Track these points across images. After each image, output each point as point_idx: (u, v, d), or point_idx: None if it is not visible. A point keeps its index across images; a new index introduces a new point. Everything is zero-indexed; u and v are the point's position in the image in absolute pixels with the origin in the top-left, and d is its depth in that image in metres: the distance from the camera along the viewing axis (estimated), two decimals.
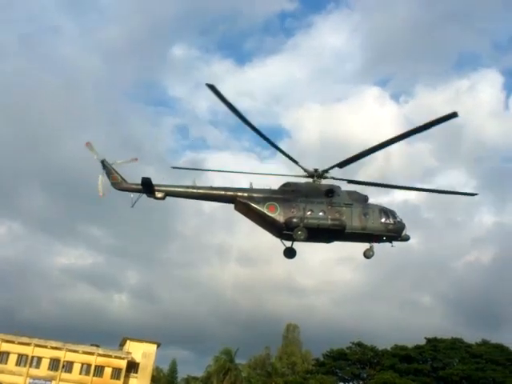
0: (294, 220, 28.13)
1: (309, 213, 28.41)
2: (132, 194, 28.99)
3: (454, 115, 25.04)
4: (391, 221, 29.24)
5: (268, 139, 27.97)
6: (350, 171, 29.40)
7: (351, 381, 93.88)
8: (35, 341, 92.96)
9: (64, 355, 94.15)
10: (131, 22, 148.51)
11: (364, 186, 29.84)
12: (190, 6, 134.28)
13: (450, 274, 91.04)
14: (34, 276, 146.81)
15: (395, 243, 29.91)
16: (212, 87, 25.51)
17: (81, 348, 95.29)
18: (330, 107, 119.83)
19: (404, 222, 29.66)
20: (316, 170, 29.36)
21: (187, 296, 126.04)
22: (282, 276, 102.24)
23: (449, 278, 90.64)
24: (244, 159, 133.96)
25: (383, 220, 29.11)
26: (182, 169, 30.17)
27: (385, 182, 30.27)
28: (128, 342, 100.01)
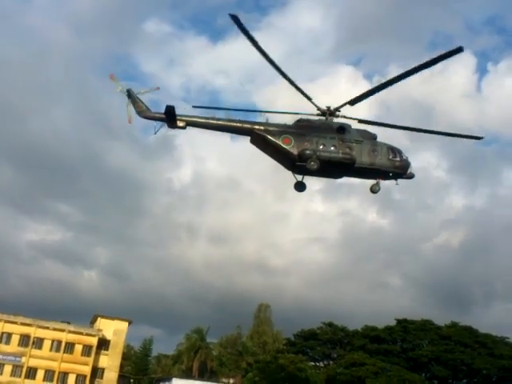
0: (307, 152, 29.58)
1: (321, 146, 29.91)
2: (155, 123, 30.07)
3: (459, 50, 26.50)
4: (398, 158, 30.95)
5: (286, 75, 29.14)
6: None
7: (321, 360, 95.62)
8: (5, 317, 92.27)
9: (34, 331, 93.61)
10: None
11: (373, 125, 31.45)
12: None
13: (420, 256, 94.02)
14: (0, 251, 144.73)
15: (400, 181, 31.60)
16: (235, 18, 26.47)
17: (51, 325, 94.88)
18: (304, 86, 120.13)
19: (409, 160, 31.42)
20: (328, 108, 30.82)
21: (158, 274, 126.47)
22: (254, 255, 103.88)
23: (419, 260, 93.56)
24: (216, 137, 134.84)
25: (391, 157, 30.78)
26: (203, 108, 31.56)
27: (393, 123, 31.82)
28: (99, 319, 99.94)
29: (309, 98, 30.42)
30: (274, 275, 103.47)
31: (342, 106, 30.67)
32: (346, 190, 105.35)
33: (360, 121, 31.12)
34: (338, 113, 30.96)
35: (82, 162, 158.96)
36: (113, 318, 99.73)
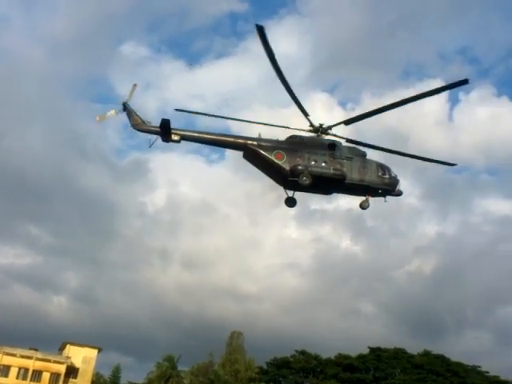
0: (299, 167, 29.99)
1: (313, 162, 30.38)
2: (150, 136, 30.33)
3: (465, 82, 27.70)
4: (387, 175, 31.59)
5: (291, 91, 29.49)
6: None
7: None
8: None
9: (0, 358, 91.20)
10: (79, 16, 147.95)
11: (359, 146, 32.15)
12: (138, 2, 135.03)
13: (393, 283, 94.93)
14: None
15: (388, 198, 32.29)
16: (261, 29, 26.48)
17: (18, 351, 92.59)
18: (278, 111, 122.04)
19: (398, 177, 32.18)
20: (321, 126, 31.43)
21: (130, 299, 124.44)
22: (227, 281, 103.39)
23: (392, 287, 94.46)
24: (191, 162, 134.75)
25: (380, 174, 31.41)
26: (186, 112, 31.48)
27: (380, 146, 32.65)
28: (68, 346, 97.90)
29: (306, 114, 31.02)
30: (247, 301, 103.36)
31: (336, 124, 31.25)
32: (319, 216, 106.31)
33: (348, 140, 31.78)
34: (329, 131, 31.60)
35: (54, 183, 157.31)
36: (82, 345, 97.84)
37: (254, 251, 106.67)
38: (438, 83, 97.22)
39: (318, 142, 31.42)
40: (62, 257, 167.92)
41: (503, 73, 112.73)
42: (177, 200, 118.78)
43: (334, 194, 33.65)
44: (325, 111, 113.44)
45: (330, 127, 31.52)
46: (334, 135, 31.72)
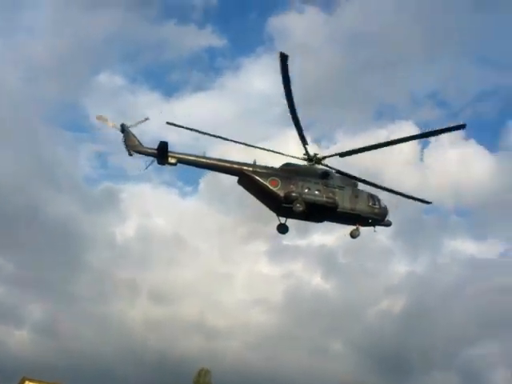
0: (293, 194, 30.63)
1: (306, 190, 31.11)
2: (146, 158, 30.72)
3: (462, 126, 29.91)
4: (377, 205, 32.56)
5: (297, 118, 30.23)
6: None
7: None
8: None
9: None
10: (55, 42, 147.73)
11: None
12: (116, 31, 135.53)
13: (363, 322, 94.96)
14: None
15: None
16: (284, 57, 27.58)
17: None
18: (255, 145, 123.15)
19: (388, 208, 33.07)
20: (315, 155, 32.35)
21: (96, 333, 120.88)
22: (196, 316, 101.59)
23: (362, 326, 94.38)
24: (164, 193, 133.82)
25: (370, 203, 32.34)
26: (177, 126, 31.19)
27: (371, 181, 33.62)
28: (27, 382, 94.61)
29: (305, 143, 31.81)
30: (216, 337, 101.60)
31: (331, 156, 32.30)
32: (291, 252, 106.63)
33: (338, 171, 32.62)
34: (323, 161, 32.44)
35: (20, 211, 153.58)
36: (42, 382, 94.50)
37: (225, 286, 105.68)
38: (409, 125, 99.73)
39: (311, 170, 32.25)
40: (25, 288, 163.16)
41: (472, 117, 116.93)
42: (148, 232, 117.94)
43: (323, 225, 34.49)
44: (301, 146, 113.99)
45: (324, 157, 32.43)
46: (327, 165, 32.62)
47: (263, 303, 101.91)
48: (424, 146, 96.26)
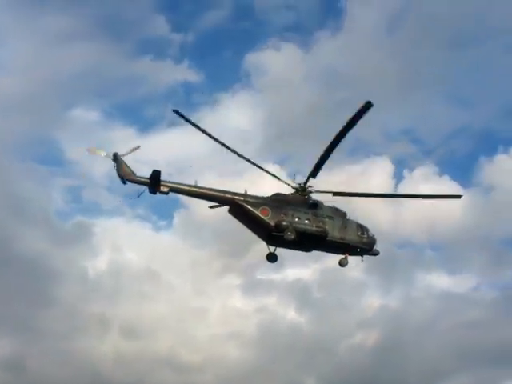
0: (284, 223, 31.07)
1: (296, 219, 31.56)
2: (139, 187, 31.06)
3: (458, 197, 34.70)
4: (366, 235, 33.17)
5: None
6: None
7: None
8: None
9: None
10: (29, 76, 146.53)
11: (347, 196, 33.72)
12: (91, 66, 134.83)
13: (336, 356, 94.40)
14: None
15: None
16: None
17: None
18: (229, 181, 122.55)
19: (375, 237, 33.67)
20: (300, 185, 33.02)
21: (64, 370, 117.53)
22: (168, 351, 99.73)
23: (335, 360, 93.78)
24: (137, 227, 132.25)
25: (359, 233, 32.93)
26: (182, 117, 31.19)
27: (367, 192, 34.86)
28: None
29: (277, 178, 32.55)
30: (189, 372, 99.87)
31: (307, 180, 32.94)
32: (265, 286, 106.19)
33: (335, 193, 33.20)
34: (310, 188, 33.01)
35: None
36: None
37: (198, 321, 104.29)
38: (384, 160, 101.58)
39: (300, 200, 32.86)
40: None
41: (445, 153, 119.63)
42: (120, 266, 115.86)
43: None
44: (274, 183, 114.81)
45: (305, 183, 33.03)
46: (318, 191, 33.16)
47: (237, 337, 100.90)
48: (398, 182, 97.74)
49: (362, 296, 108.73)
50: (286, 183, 33.14)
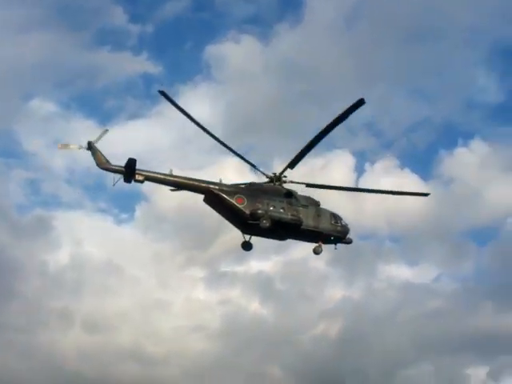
0: (260, 211, 31.30)
1: (272, 208, 31.85)
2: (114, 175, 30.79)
3: (425, 194, 36.83)
4: (339, 223, 33.71)
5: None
6: None
7: None
8: None
9: None
10: None
11: (320, 188, 34.32)
12: (48, 56, 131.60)
13: (299, 347, 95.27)
14: None
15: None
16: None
17: None
18: (189, 174, 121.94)
19: (348, 226, 34.22)
20: (275, 174, 33.47)
21: (25, 365, 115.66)
22: (131, 344, 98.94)
23: (298, 351, 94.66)
24: (98, 220, 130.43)
25: (333, 222, 33.41)
26: (167, 98, 30.72)
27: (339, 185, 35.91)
28: None
29: (254, 166, 32.92)
30: (152, 365, 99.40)
31: (283, 170, 33.47)
32: (229, 279, 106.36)
33: (307, 185, 33.72)
34: (284, 178, 33.44)
35: None
36: None
37: (161, 313, 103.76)
38: (345, 153, 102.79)
39: (275, 189, 33.21)
40: None
41: (405, 146, 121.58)
42: (81, 260, 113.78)
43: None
44: (237, 175, 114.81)
45: (281, 174, 33.44)
46: (292, 181, 33.68)
47: (201, 330, 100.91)
48: (359, 175, 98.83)
49: (325, 287, 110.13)
50: (261, 172, 33.49)
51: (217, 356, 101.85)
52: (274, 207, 32.01)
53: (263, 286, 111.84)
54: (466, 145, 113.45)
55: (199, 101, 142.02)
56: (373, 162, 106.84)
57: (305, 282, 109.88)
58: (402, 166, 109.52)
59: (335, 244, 34.32)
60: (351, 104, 29.41)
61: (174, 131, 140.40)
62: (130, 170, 30.27)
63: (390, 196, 36.57)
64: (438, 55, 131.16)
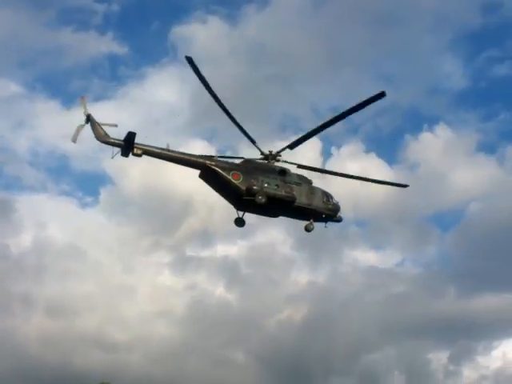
0: (255, 187, 31.76)
1: (266, 184, 32.34)
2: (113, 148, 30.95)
3: (404, 186, 37.31)
4: (331, 202, 34.41)
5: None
6: None
7: None
8: None
9: None
10: None
11: (310, 170, 34.98)
12: (10, 35, 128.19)
13: (264, 332, 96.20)
14: None
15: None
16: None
17: None
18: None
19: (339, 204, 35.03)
20: (270, 152, 33.87)
21: None
22: (96, 330, 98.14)
23: (264, 336, 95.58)
24: (62, 203, 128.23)
25: (325, 200, 34.08)
26: (194, 67, 30.67)
27: (329, 169, 36.61)
28: None
29: (253, 142, 33.25)
30: (117, 351, 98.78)
31: (282, 150, 33.94)
32: (194, 263, 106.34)
33: (299, 166, 34.34)
34: (278, 157, 33.95)
35: None
36: None
37: (126, 299, 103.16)
38: (312, 138, 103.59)
39: (270, 167, 33.65)
40: None
41: (371, 131, 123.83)
42: (44, 243, 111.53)
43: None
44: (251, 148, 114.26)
45: (278, 153, 33.97)
46: (285, 161, 34.15)
47: (166, 315, 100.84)
48: (326, 160, 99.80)
49: (290, 272, 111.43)
50: (258, 149, 33.74)
51: (182, 341, 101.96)
52: (269, 184, 32.46)
53: (229, 270, 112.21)
54: (430, 130, 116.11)
55: (166, 84, 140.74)
56: (339, 146, 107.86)
57: (270, 266, 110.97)
58: (368, 150, 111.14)
59: (325, 222, 34.94)
60: (372, 95, 30.68)
61: (140, 113, 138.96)
62: (128, 144, 30.37)
63: (356, 180, 37.33)
64: (404, 41, 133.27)
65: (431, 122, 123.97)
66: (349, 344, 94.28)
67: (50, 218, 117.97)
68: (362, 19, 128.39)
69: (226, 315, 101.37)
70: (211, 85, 31.23)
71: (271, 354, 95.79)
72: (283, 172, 33.59)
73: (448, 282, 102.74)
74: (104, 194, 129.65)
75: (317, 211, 33.83)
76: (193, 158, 32.10)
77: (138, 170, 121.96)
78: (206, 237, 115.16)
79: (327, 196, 34.41)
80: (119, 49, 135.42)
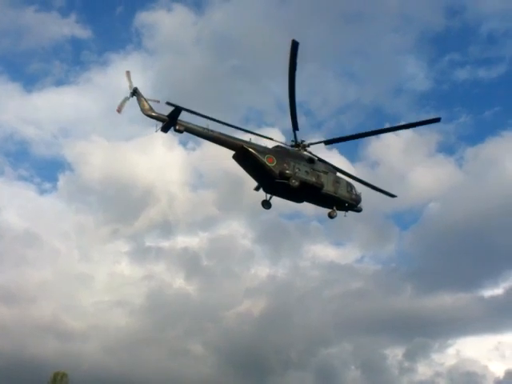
0: (288, 171, 32.85)
1: (297, 170, 33.38)
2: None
3: (392, 196, 38.25)
4: (354, 192, 35.92)
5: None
6: None
7: None
8: None
9: None
10: None
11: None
12: None
13: (223, 324, 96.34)
14: None
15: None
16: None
17: None
18: (117, 145, 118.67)
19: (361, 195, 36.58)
20: (302, 141, 35.05)
21: None
22: (50, 318, 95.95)
23: (222, 328, 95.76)
24: (19, 189, 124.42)
25: (349, 189, 35.54)
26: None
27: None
28: None
29: (296, 129, 34.44)
30: (72, 340, 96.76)
31: (317, 143, 35.80)
32: (153, 254, 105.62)
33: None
34: (304, 143, 35.13)
35: None
36: None
37: (82, 287, 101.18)
38: (275, 131, 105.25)
39: (300, 154, 34.81)
40: None
41: (335, 127, 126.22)
42: None
43: None
44: (166, 150, 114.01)
45: (309, 144, 35.24)
46: (310, 153, 35.32)
47: (124, 305, 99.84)
48: None
49: (251, 265, 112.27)
50: (294, 135, 35.03)
51: (139, 331, 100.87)
52: (299, 170, 33.50)
53: (189, 262, 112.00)
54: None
55: (130, 70, 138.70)
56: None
57: (231, 259, 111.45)
58: (331, 146, 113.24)
59: (346, 211, 36.19)
60: (427, 119, 34.84)
61: (103, 100, 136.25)
62: (172, 120, 30.76)
63: None
64: (368, 39, 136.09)
65: (393, 121, 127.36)
66: (306, 338, 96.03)
67: (6, 203, 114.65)
68: (328, 15, 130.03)
69: (184, 306, 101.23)
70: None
71: (229, 346, 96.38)
72: (311, 160, 34.70)
73: (405, 279, 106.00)
74: (63, 180, 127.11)
75: (341, 199, 35.15)
76: (231, 139, 32.72)
77: (98, 158, 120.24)
78: (166, 227, 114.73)
79: (351, 186, 35.80)
80: (82, 32, 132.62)
